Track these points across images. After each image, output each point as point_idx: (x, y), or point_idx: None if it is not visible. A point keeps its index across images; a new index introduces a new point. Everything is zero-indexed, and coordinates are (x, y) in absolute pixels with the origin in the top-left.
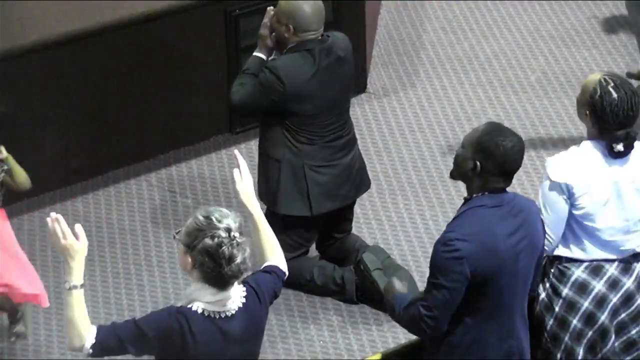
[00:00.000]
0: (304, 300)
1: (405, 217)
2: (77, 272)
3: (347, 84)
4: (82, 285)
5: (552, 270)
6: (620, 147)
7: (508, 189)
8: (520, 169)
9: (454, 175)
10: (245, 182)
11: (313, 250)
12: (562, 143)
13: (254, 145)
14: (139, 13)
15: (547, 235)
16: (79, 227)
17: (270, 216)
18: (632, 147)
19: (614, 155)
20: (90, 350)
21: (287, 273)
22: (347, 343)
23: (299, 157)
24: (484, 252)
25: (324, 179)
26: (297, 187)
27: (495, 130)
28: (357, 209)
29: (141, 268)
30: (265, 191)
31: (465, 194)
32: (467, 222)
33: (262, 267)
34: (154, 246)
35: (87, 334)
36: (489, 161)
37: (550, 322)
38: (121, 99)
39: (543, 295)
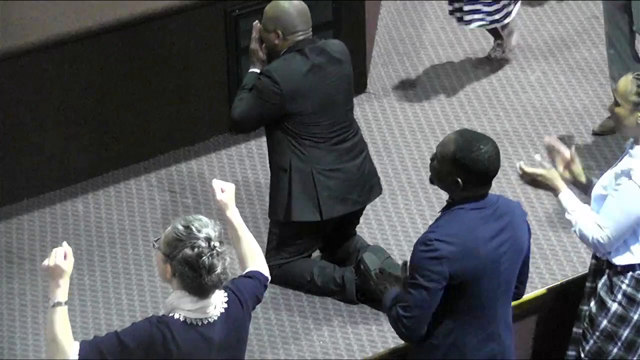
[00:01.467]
0: (304, 300)
1: (405, 217)
2: (63, 289)
3: (346, 84)
4: (66, 302)
5: (626, 281)
6: None
7: (509, 190)
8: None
9: (434, 182)
10: (226, 192)
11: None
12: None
13: (254, 145)
14: (139, 13)
15: (605, 237)
16: (66, 247)
17: (280, 226)
18: None
19: None
20: None
21: (269, 278)
22: (347, 343)
23: (306, 163)
24: (464, 254)
25: (332, 183)
26: (307, 192)
27: (467, 143)
28: None
29: (141, 268)
30: (276, 205)
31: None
32: (448, 223)
33: (244, 272)
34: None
35: (70, 351)
36: (470, 176)
37: (627, 330)
38: (121, 99)
39: (615, 306)
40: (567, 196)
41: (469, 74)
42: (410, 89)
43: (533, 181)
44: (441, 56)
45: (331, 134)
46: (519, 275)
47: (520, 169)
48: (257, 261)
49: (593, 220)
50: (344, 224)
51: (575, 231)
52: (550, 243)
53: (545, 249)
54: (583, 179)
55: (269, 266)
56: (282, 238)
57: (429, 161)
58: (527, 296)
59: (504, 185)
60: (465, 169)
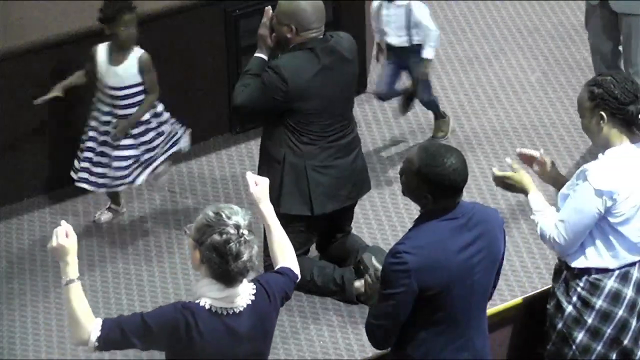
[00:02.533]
0: (304, 300)
1: (405, 217)
2: (72, 267)
3: (350, 83)
4: (78, 278)
5: (581, 284)
6: None
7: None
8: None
9: (406, 195)
10: (260, 185)
11: (313, 250)
12: (563, 143)
13: (254, 145)
14: (139, 13)
15: (560, 236)
16: (66, 225)
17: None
18: None
19: None
20: (96, 344)
21: (299, 276)
22: (347, 343)
23: (300, 158)
24: (432, 266)
25: (325, 179)
26: (299, 187)
27: (430, 158)
28: (357, 209)
29: (141, 268)
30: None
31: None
32: (417, 235)
33: (275, 269)
34: (154, 246)
35: (92, 327)
36: (438, 190)
37: (581, 334)
38: None
39: (570, 309)
40: (534, 197)
41: (469, 74)
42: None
43: (505, 185)
44: (441, 56)
45: (329, 132)
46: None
47: (492, 173)
48: (287, 258)
49: (553, 220)
50: (337, 219)
51: (537, 231)
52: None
53: (545, 248)
54: (561, 179)
55: (267, 265)
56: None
57: (399, 175)
58: (506, 304)
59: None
60: (432, 184)
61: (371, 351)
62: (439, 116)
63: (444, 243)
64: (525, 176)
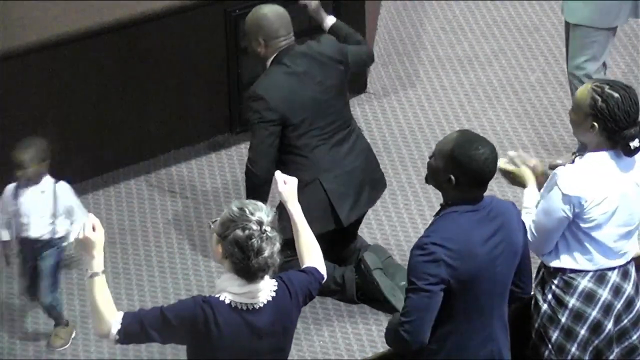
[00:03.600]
0: None
1: (405, 217)
2: (97, 260)
3: (334, 84)
4: (103, 272)
5: (555, 282)
6: (636, 142)
7: (509, 190)
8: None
9: (429, 181)
10: (289, 184)
11: None
12: (563, 143)
13: None
14: (139, 13)
15: (531, 235)
16: (94, 218)
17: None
18: None
19: (630, 153)
20: (117, 337)
21: (325, 276)
22: (347, 343)
23: (312, 172)
24: (461, 257)
25: (343, 188)
26: (320, 204)
27: (466, 141)
28: None
29: (141, 268)
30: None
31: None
32: (443, 227)
33: (301, 268)
34: (154, 246)
35: (113, 321)
36: (464, 175)
37: (556, 333)
38: (121, 99)
39: (545, 307)
40: (528, 194)
41: (469, 74)
42: (410, 89)
43: (507, 177)
44: (441, 56)
45: (327, 135)
46: (521, 274)
47: (499, 166)
48: (314, 257)
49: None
50: (352, 225)
51: None
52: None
53: None
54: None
55: (285, 262)
56: (288, 241)
57: (428, 158)
58: None
59: (504, 185)
60: (460, 166)
61: (371, 351)
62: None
63: (469, 234)
64: (526, 172)
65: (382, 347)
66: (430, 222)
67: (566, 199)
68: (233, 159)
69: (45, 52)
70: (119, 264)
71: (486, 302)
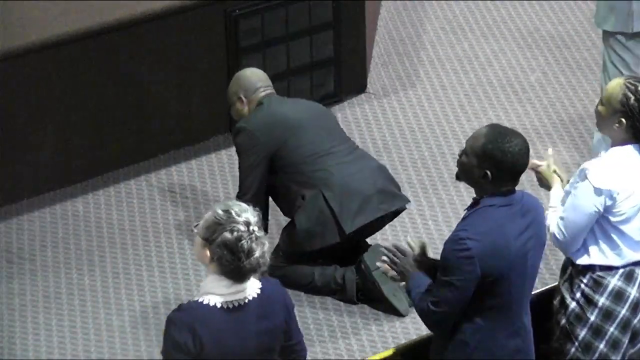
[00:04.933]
0: (304, 301)
1: (405, 217)
2: None
3: (320, 113)
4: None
5: (585, 280)
6: None
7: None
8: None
9: (461, 178)
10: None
11: None
12: (562, 143)
13: None
14: (139, 13)
15: (560, 233)
16: None
17: (299, 255)
18: None
19: None
20: None
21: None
22: (347, 343)
23: (314, 187)
24: (495, 252)
25: (345, 197)
26: (322, 216)
27: (498, 135)
28: None
29: (141, 268)
30: (294, 239)
31: (470, 194)
32: (478, 221)
33: None
34: (154, 246)
35: None
36: (499, 169)
37: (584, 331)
38: (121, 99)
39: (573, 305)
40: (553, 193)
41: (469, 73)
42: (410, 89)
43: (538, 178)
44: (441, 56)
45: (325, 152)
46: None
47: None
48: None
49: (557, 217)
50: (364, 236)
51: (547, 227)
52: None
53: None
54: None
55: (272, 266)
56: (286, 251)
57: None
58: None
59: None
60: (495, 161)
61: (371, 351)
62: None
63: (503, 229)
64: (552, 176)
65: (382, 347)
66: (431, 220)
67: (598, 192)
68: (233, 159)
69: (45, 52)
70: (119, 264)
71: (517, 296)
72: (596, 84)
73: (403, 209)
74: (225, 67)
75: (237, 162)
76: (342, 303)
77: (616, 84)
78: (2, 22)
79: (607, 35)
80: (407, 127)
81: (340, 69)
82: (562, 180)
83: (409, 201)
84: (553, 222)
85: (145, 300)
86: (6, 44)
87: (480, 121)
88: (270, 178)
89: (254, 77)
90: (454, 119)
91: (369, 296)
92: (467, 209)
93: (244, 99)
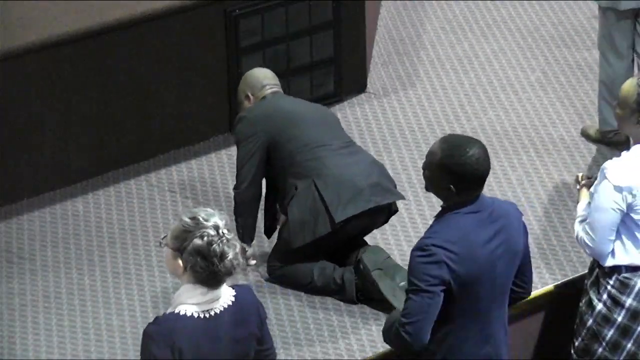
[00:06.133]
0: (304, 300)
1: (405, 217)
2: None
3: (320, 111)
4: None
5: (611, 282)
6: None
7: (509, 190)
8: (521, 168)
9: (429, 190)
10: None
11: None
12: (562, 143)
13: None
14: (139, 13)
15: (588, 237)
16: None
17: (297, 256)
18: None
19: None
20: None
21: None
22: (347, 343)
23: (307, 177)
24: (462, 259)
25: (337, 187)
26: (313, 206)
27: (453, 148)
28: None
29: (141, 268)
30: (284, 235)
31: None
32: (444, 229)
33: None
34: (153, 246)
35: None
36: (461, 181)
37: (611, 331)
38: (121, 99)
39: (600, 306)
40: (580, 205)
41: (469, 73)
42: (410, 89)
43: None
44: (441, 56)
45: (322, 146)
46: (522, 275)
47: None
48: None
49: (584, 223)
50: (357, 233)
51: (575, 237)
52: (550, 243)
53: (545, 248)
54: None
55: (271, 266)
56: (283, 253)
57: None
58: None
59: (504, 185)
60: (454, 175)
61: (371, 351)
62: None
63: (470, 236)
64: (583, 191)
65: (382, 347)
66: (431, 220)
67: (618, 189)
68: (233, 159)
69: (45, 52)
70: (119, 264)
71: (485, 303)
72: (596, 84)
73: (396, 210)
74: (225, 67)
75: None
76: (342, 303)
77: (629, 85)
78: (2, 22)
79: (600, 11)
80: (407, 127)
81: (340, 69)
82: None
83: (403, 197)
84: (579, 229)
85: (145, 300)
86: (6, 44)
87: (480, 121)
88: (268, 171)
89: (261, 76)
90: (454, 119)
91: (369, 296)
92: (435, 217)
93: (251, 96)
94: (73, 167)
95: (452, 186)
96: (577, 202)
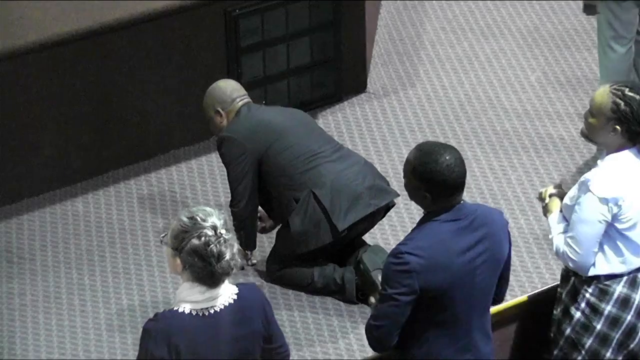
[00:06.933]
0: (304, 300)
1: (405, 217)
2: None
3: (301, 116)
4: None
5: (590, 290)
6: None
7: (509, 190)
8: (521, 169)
9: (412, 199)
10: None
11: None
12: (562, 143)
13: None
14: (139, 13)
15: (573, 252)
16: None
17: (296, 258)
18: None
19: None
20: None
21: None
22: (347, 343)
23: (304, 189)
24: (435, 267)
25: (336, 196)
26: (315, 216)
27: (424, 156)
28: None
29: (141, 268)
30: (286, 243)
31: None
32: (420, 236)
33: None
34: (154, 246)
35: None
36: (435, 188)
37: (590, 340)
38: (121, 99)
39: (578, 315)
40: (552, 217)
41: (469, 73)
42: (410, 89)
43: (543, 209)
44: (441, 56)
45: (312, 154)
46: (500, 281)
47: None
48: None
49: (565, 237)
50: (358, 235)
51: (554, 249)
52: (550, 242)
53: (545, 248)
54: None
55: (271, 267)
56: (282, 255)
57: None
58: (507, 303)
59: (504, 185)
60: (428, 183)
61: (371, 351)
62: None
63: (446, 244)
64: (553, 201)
65: None
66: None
67: (604, 201)
68: None
69: (45, 52)
70: (119, 264)
71: (464, 311)
72: (596, 84)
73: (393, 204)
74: (225, 67)
75: None
76: (342, 303)
77: (602, 93)
78: (2, 22)
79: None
80: (407, 127)
81: (340, 69)
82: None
83: (398, 195)
84: (560, 243)
85: (145, 300)
86: (6, 44)
87: (480, 121)
88: (260, 184)
89: (229, 88)
90: (454, 119)
91: (369, 296)
92: (417, 223)
93: (221, 111)
94: (73, 167)
95: (427, 194)
96: (545, 215)
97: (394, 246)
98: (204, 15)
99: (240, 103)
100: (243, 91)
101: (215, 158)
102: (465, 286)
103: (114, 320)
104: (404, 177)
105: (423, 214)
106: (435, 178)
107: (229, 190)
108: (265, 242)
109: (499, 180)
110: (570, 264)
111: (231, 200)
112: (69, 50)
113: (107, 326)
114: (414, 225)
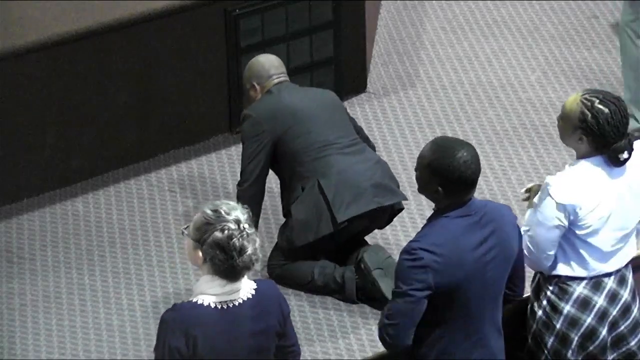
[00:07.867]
0: (304, 300)
1: (405, 217)
2: None
3: (330, 104)
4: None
5: (551, 288)
6: (625, 155)
7: (509, 190)
8: (521, 168)
9: (421, 192)
10: None
11: None
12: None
13: None
14: (139, 13)
15: (528, 249)
16: None
17: (299, 254)
18: (632, 149)
19: (619, 164)
20: None
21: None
22: (347, 343)
23: (312, 178)
24: (448, 263)
25: (340, 187)
26: (317, 206)
27: (442, 150)
28: None
29: (141, 268)
30: (287, 233)
31: None
32: (432, 232)
33: None
34: (154, 246)
35: None
36: (449, 183)
37: (551, 339)
38: (121, 99)
39: (540, 313)
40: (526, 215)
41: (469, 73)
42: (410, 88)
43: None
44: (441, 56)
45: (328, 145)
46: (515, 276)
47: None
48: None
49: (526, 234)
50: (359, 232)
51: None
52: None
53: None
54: None
55: (271, 265)
56: (286, 249)
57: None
58: None
59: (504, 185)
60: (442, 177)
61: (371, 351)
62: None
63: (458, 240)
64: (531, 202)
65: (382, 346)
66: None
67: (561, 207)
68: (233, 159)
69: (45, 52)
70: (119, 264)
71: (476, 307)
72: (596, 84)
73: (400, 208)
74: (225, 67)
75: (237, 162)
76: (342, 302)
77: (573, 101)
78: (1, 22)
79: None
80: (407, 127)
81: (340, 68)
82: None
83: (406, 199)
84: (525, 241)
85: (145, 300)
86: (6, 44)
87: (480, 121)
88: (274, 168)
89: (267, 64)
90: (454, 119)
91: (369, 295)
92: (427, 220)
93: (257, 86)
94: (73, 167)
95: (440, 188)
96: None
97: (394, 246)
98: (204, 15)
99: (276, 81)
100: (282, 69)
101: (215, 158)
102: (477, 282)
103: (114, 320)
104: (416, 170)
105: (433, 210)
106: (452, 173)
107: (241, 170)
108: (266, 243)
109: (499, 180)
110: (527, 262)
111: (239, 180)
112: (69, 50)
113: (107, 326)
114: (414, 226)
